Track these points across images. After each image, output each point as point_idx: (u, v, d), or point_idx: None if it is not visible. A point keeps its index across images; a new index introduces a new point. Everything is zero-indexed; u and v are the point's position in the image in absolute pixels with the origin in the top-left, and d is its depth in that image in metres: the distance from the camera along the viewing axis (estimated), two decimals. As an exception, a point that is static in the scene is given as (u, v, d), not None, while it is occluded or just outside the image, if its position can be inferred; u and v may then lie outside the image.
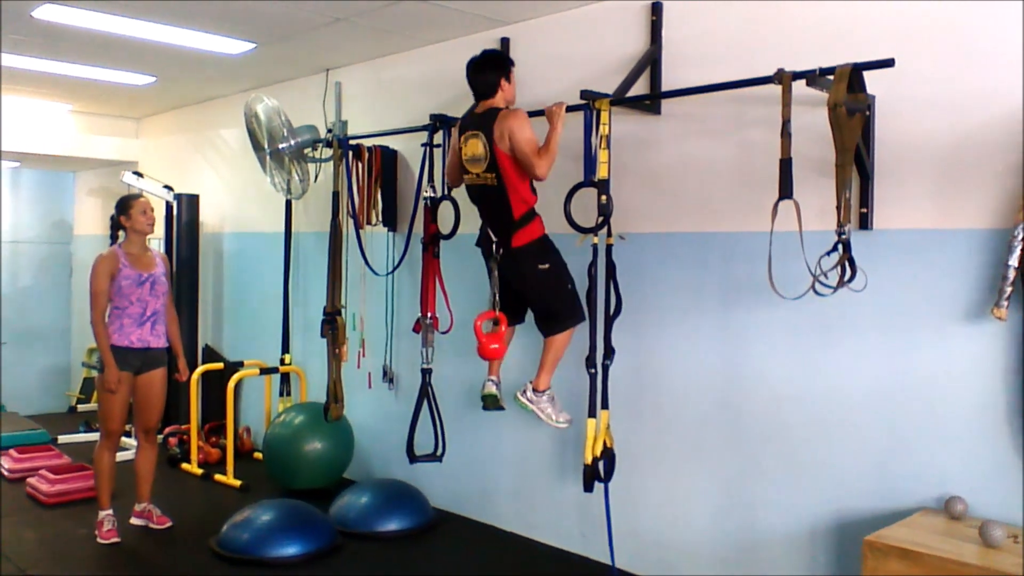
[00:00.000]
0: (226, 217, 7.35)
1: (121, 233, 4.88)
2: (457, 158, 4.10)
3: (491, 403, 4.17)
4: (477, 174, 3.96)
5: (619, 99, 3.86)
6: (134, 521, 4.93)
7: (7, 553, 4.47)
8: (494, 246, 3.97)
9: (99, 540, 4.63)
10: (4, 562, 4.37)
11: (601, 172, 3.75)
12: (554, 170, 3.88)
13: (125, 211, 4.81)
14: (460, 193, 4.49)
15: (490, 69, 4.01)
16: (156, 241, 7.74)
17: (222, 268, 7.44)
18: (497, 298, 4.04)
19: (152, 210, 4.90)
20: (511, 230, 3.91)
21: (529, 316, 4.20)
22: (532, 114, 4.26)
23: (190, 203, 7.18)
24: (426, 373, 4.69)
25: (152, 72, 6.43)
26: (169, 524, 4.92)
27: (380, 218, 5.47)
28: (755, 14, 3.78)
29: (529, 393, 4.01)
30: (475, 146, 3.93)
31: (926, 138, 3.28)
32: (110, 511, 4.72)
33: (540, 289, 3.98)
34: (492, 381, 4.19)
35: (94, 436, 6.09)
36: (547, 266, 3.95)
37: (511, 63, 4.07)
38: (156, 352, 4.85)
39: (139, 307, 4.73)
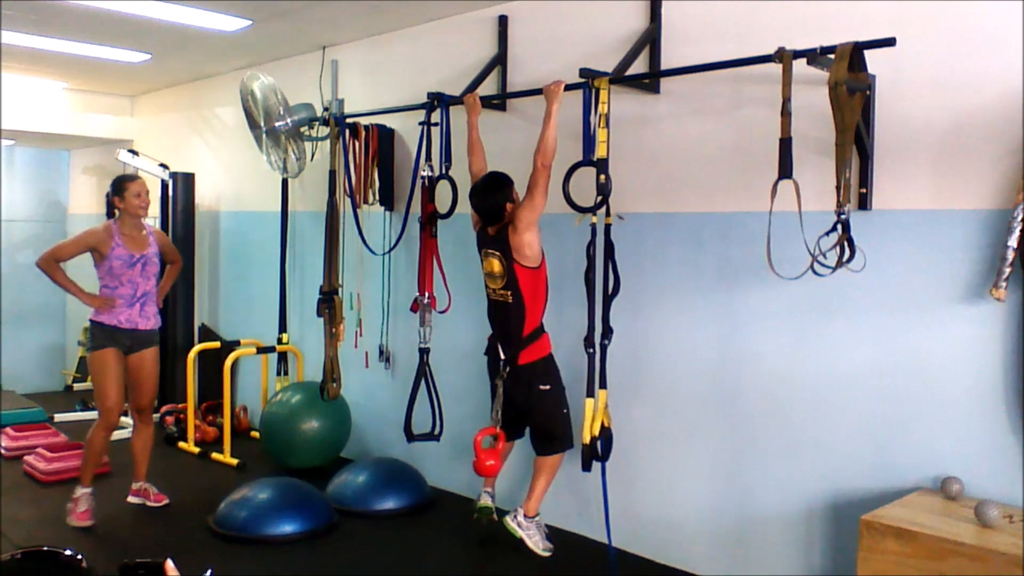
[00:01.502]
0: (222, 196, 7.32)
1: (116, 211, 4.83)
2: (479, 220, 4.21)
3: (485, 516, 4.31)
4: (495, 290, 4.07)
5: (618, 78, 3.84)
6: (131, 499, 4.92)
7: (4, 531, 4.47)
8: (501, 363, 4.05)
9: (72, 521, 4.54)
10: (4, 541, 4.37)
11: (600, 151, 3.73)
12: (555, 148, 3.88)
13: (119, 192, 4.75)
14: (458, 172, 4.49)
15: (494, 193, 4.06)
16: (153, 220, 7.73)
17: (218, 247, 7.42)
18: (499, 414, 4.07)
19: (147, 192, 4.84)
20: (519, 347, 4.02)
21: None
22: (530, 93, 4.26)
23: (186, 182, 7.14)
24: (424, 352, 4.69)
25: (147, 49, 6.39)
26: (166, 502, 4.92)
27: (377, 197, 5.45)
28: (756, -8, 3.75)
29: (520, 518, 4.13)
30: (492, 264, 4.05)
31: (926, 118, 3.26)
32: (89, 490, 4.64)
33: (539, 408, 4.09)
34: (487, 493, 4.34)
35: (91, 415, 6.08)
36: (548, 387, 4.07)
37: (511, 183, 4.10)
38: (145, 333, 4.80)
39: (129, 288, 4.69)
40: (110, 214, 4.88)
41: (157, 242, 4.90)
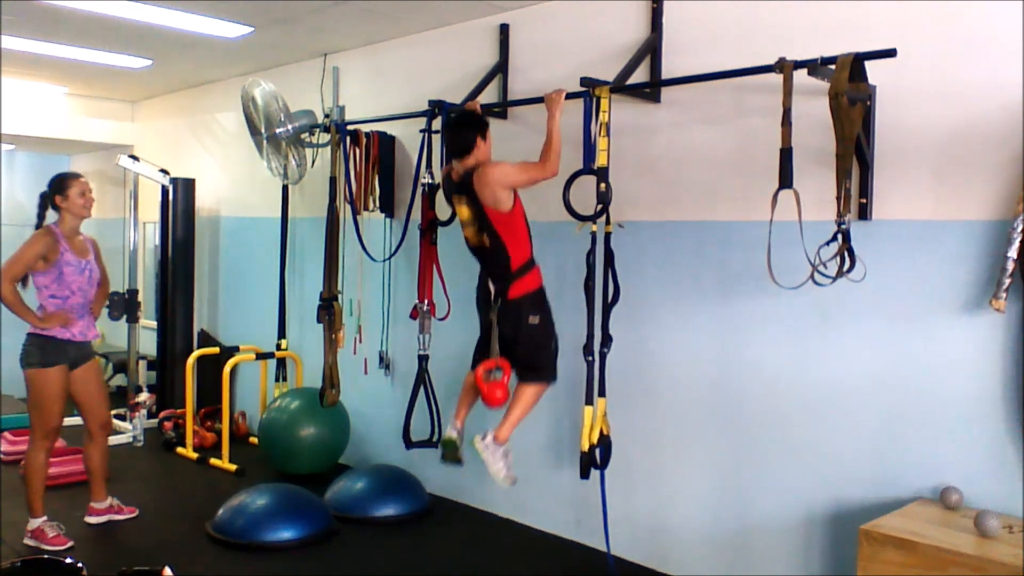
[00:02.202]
0: (222, 202, 7.32)
1: (50, 213, 4.46)
2: None
3: (450, 452, 4.09)
4: (471, 236, 3.98)
5: (619, 86, 3.85)
6: (93, 520, 4.67)
7: (5, 536, 4.46)
8: (492, 296, 3.96)
9: (48, 547, 4.27)
10: (1, 544, 4.37)
11: (600, 160, 3.74)
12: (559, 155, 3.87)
13: (61, 190, 4.39)
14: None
15: (467, 127, 3.96)
16: (153, 224, 7.74)
17: (218, 253, 7.42)
18: (497, 347, 3.96)
19: (91, 191, 4.51)
20: (508, 281, 3.90)
21: None
22: (531, 102, 4.27)
23: (186, 187, 7.14)
24: (423, 359, 4.70)
25: (148, 55, 6.40)
26: (136, 513, 4.79)
27: (377, 204, 5.46)
28: (756, 3, 3.76)
29: (488, 440, 3.94)
30: (463, 211, 3.95)
31: (926, 128, 3.27)
32: (45, 517, 4.40)
33: (526, 341, 3.96)
34: (454, 428, 4.12)
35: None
36: (537, 320, 3.94)
37: (486, 123, 4.02)
38: (90, 345, 4.58)
39: (79, 297, 4.42)
40: (41, 218, 4.47)
41: (93, 250, 4.62)
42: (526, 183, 3.85)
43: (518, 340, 3.96)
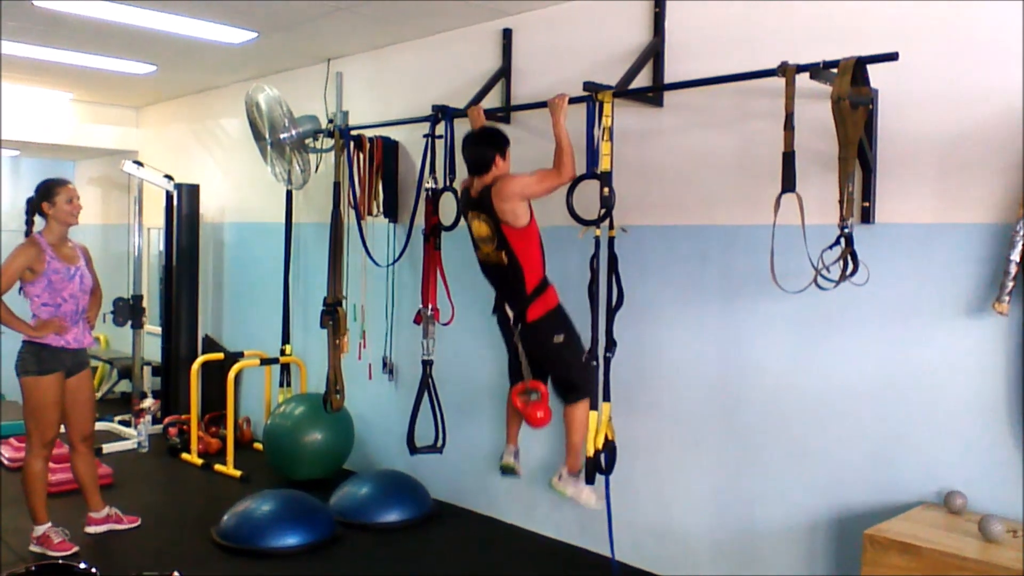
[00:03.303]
0: (227, 207, 7.34)
1: (38, 220, 4.42)
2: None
3: (509, 473, 4.26)
4: (487, 253, 4.00)
5: (622, 91, 3.85)
6: (93, 530, 4.64)
7: (8, 541, 4.48)
8: (511, 320, 3.99)
9: (53, 553, 4.27)
10: (5, 551, 4.38)
11: (603, 164, 3.74)
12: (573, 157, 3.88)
13: (48, 197, 4.36)
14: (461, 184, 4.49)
15: (487, 144, 3.98)
16: (158, 230, 7.75)
17: (222, 258, 7.43)
18: (528, 369, 3.98)
19: (79, 199, 4.47)
20: (525, 304, 3.93)
21: None
22: (534, 106, 4.28)
23: (190, 193, 7.16)
24: (427, 365, 4.70)
25: (153, 61, 6.42)
26: (138, 522, 4.78)
27: (381, 209, 5.46)
28: (758, 6, 3.76)
29: (564, 476, 4.02)
30: (480, 227, 3.97)
31: (929, 132, 3.27)
32: (49, 524, 4.38)
33: (556, 360, 4.00)
34: (510, 452, 4.26)
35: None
36: (561, 338, 3.96)
37: (507, 141, 4.04)
38: (85, 352, 4.55)
39: (72, 304, 4.37)
40: (29, 225, 4.44)
41: (84, 257, 4.57)
42: (545, 191, 3.87)
43: (548, 360, 4.00)
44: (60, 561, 2.09)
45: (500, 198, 3.83)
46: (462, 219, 4.46)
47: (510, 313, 3.98)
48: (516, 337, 3.96)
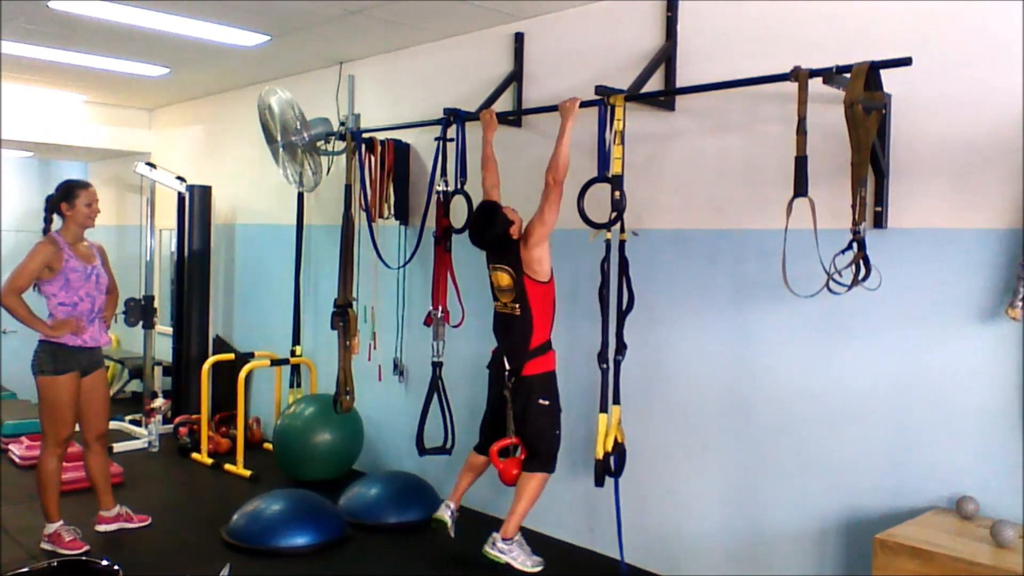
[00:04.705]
0: (238, 209, 7.37)
1: (56, 219, 4.46)
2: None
3: (442, 528, 4.24)
4: (504, 303, 4.08)
5: (633, 95, 3.86)
6: (103, 528, 4.67)
7: (20, 539, 4.50)
8: (507, 374, 4.03)
9: (65, 552, 4.30)
10: (16, 548, 4.40)
11: (615, 168, 3.75)
12: (567, 165, 3.91)
13: (68, 198, 4.40)
14: (472, 187, 4.51)
15: (492, 226, 4.04)
16: (170, 232, 7.78)
17: (234, 259, 7.46)
18: (512, 425, 4.04)
19: (97, 202, 4.51)
20: (525, 358, 4.00)
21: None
22: (546, 110, 4.29)
23: (202, 194, 7.20)
24: (437, 366, 4.71)
25: (166, 63, 6.45)
26: (148, 521, 4.80)
27: (392, 211, 5.48)
28: (770, 11, 3.77)
29: (500, 544, 4.02)
30: (501, 278, 4.06)
31: (942, 137, 3.27)
32: (61, 522, 4.41)
33: (533, 422, 4.04)
34: (448, 507, 4.26)
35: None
36: (547, 403, 4.05)
37: (499, 207, 4.10)
38: (100, 351, 4.58)
39: (88, 303, 4.40)
40: (48, 221, 4.49)
41: (100, 256, 4.60)
42: (555, 211, 3.94)
43: (526, 419, 4.05)
44: (84, 558, 2.10)
45: (527, 246, 3.93)
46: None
47: (507, 366, 4.03)
48: (507, 390, 4.02)
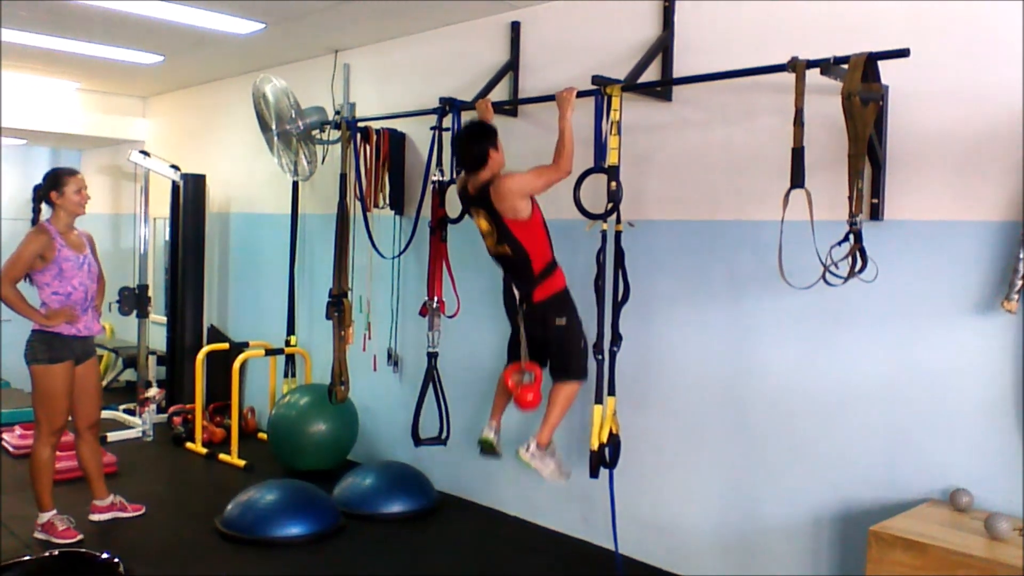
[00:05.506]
0: (233, 198, 7.34)
1: (45, 208, 4.43)
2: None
3: (488, 449, 4.20)
4: (492, 245, 4.03)
5: (630, 85, 3.84)
6: (97, 518, 4.66)
7: (13, 528, 4.49)
8: (517, 300, 4.00)
9: (58, 541, 4.31)
10: (10, 537, 4.39)
11: (611, 158, 3.73)
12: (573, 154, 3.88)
13: (57, 186, 4.37)
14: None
15: (478, 140, 3.98)
16: (162, 220, 7.75)
17: (228, 249, 7.44)
18: (527, 352, 4.01)
19: (86, 189, 4.48)
20: (532, 285, 3.95)
21: None
22: (542, 99, 4.27)
23: (196, 183, 7.17)
24: (432, 357, 4.70)
25: (160, 51, 6.41)
26: (142, 511, 4.80)
27: (387, 201, 5.46)
28: (768, 2, 3.75)
29: (532, 448, 4.01)
30: (481, 222, 4.01)
31: (939, 129, 3.26)
32: (55, 511, 4.40)
33: (556, 342, 4.02)
34: (491, 428, 4.22)
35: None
36: (564, 322, 3.98)
37: (495, 132, 4.04)
38: (92, 340, 4.58)
39: (81, 291, 4.40)
40: (36, 212, 4.47)
41: (89, 245, 4.58)
42: (543, 188, 3.88)
43: (548, 342, 4.02)
44: (83, 550, 2.09)
45: (499, 198, 3.86)
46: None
47: (517, 294, 3.99)
48: (520, 317, 3.97)
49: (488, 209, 3.91)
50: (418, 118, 5.13)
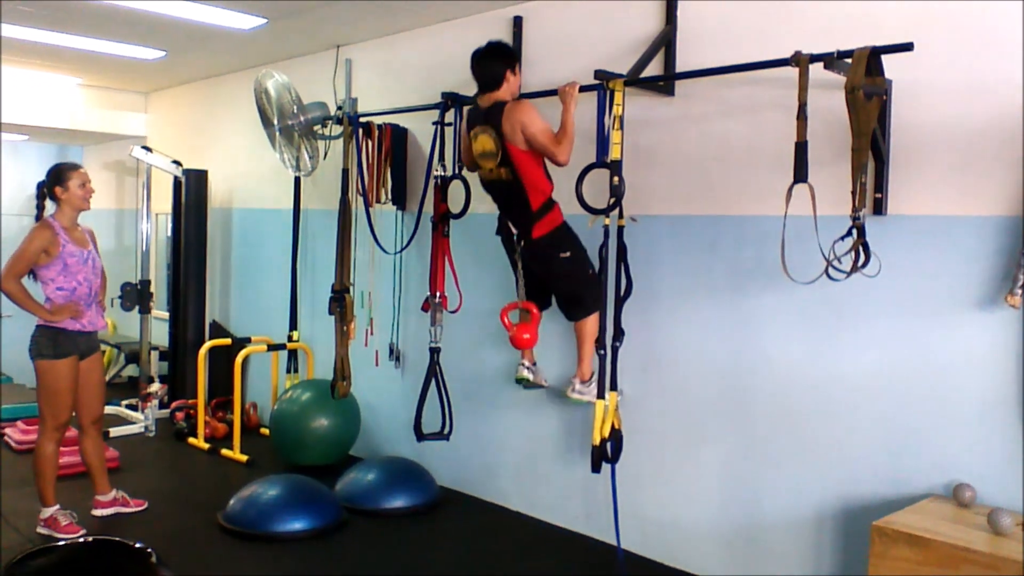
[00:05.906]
0: (234, 193, 7.34)
1: (48, 204, 4.45)
2: (469, 150, 4.11)
3: (527, 384, 4.28)
4: (490, 169, 3.97)
5: (633, 80, 3.83)
6: (99, 513, 4.67)
7: (16, 523, 4.49)
8: (515, 237, 3.97)
9: (61, 536, 4.31)
10: (12, 532, 4.39)
11: (614, 153, 3.72)
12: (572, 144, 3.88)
13: (61, 181, 4.37)
14: (471, 173, 4.48)
15: (496, 60, 3.98)
16: (164, 216, 7.75)
17: (230, 244, 7.44)
18: (523, 290, 4.03)
19: (90, 183, 4.49)
20: (530, 222, 3.93)
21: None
22: (545, 94, 4.25)
23: (198, 179, 7.17)
24: (434, 352, 4.69)
25: (162, 46, 6.41)
26: (145, 506, 4.81)
27: (389, 196, 5.46)
28: (772, -5, 3.74)
29: (578, 387, 4.08)
30: (485, 142, 3.94)
31: (943, 123, 3.25)
32: (58, 506, 4.42)
33: (564, 277, 4.00)
34: (524, 366, 4.27)
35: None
36: (568, 254, 3.97)
37: (517, 56, 4.02)
38: (97, 335, 4.57)
39: (86, 287, 4.40)
40: (40, 209, 4.47)
41: (92, 240, 4.58)
42: (540, 147, 3.87)
43: (553, 277, 4.01)
44: (117, 539, 2.11)
45: (509, 122, 3.85)
46: (471, 206, 4.47)
47: (514, 231, 3.97)
48: (517, 255, 3.96)
49: (496, 129, 3.89)
50: (420, 113, 5.12)
